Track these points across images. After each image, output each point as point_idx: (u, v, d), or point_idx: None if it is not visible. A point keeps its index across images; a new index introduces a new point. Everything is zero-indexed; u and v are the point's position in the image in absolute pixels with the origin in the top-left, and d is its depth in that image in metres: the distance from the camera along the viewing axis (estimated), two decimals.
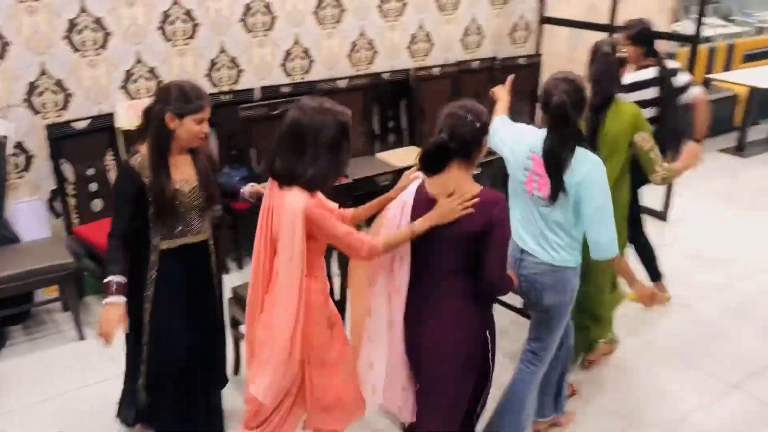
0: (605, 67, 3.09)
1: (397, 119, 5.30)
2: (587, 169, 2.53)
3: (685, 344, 3.77)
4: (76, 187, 4.03)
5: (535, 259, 2.68)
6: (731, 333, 3.89)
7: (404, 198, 2.36)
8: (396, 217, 2.34)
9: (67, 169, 4.02)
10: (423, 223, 2.23)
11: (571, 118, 2.53)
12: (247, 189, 2.82)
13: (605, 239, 2.55)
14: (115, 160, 4.16)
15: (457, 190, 2.22)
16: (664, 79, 3.75)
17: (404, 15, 5.20)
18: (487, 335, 2.35)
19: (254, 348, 2.40)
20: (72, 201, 4.05)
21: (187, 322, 2.65)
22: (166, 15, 4.19)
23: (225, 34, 4.44)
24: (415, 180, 2.40)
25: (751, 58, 7.98)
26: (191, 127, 2.44)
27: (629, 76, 3.69)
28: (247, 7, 4.47)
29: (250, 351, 2.46)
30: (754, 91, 6.85)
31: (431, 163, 2.26)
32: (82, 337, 3.73)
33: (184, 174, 2.51)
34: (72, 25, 3.91)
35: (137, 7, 4.08)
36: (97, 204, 4.11)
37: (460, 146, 2.22)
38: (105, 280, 2.45)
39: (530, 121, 5.78)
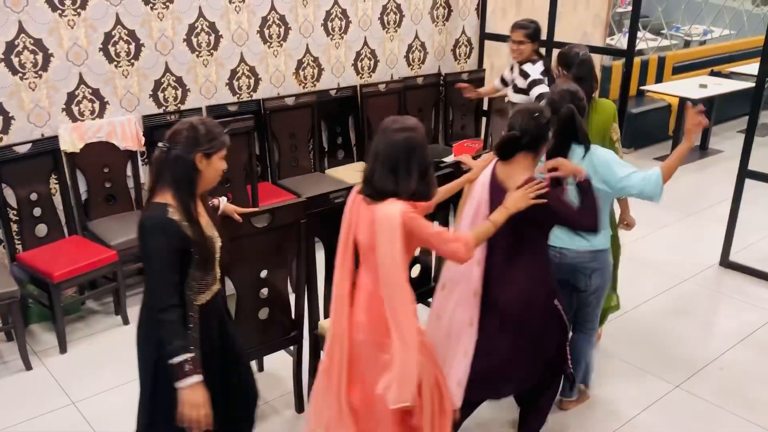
0: (588, 68, 3.39)
1: (345, 135, 5.35)
2: (595, 155, 2.89)
3: (629, 348, 3.90)
4: (18, 213, 3.93)
5: (576, 250, 2.98)
6: (673, 335, 4.05)
7: (482, 180, 2.72)
8: (474, 203, 2.70)
9: (9, 194, 3.91)
10: (500, 215, 2.51)
11: (577, 122, 2.84)
12: (226, 206, 2.75)
13: (649, 185, 2.80)
14: (58, 183, 4.07)
15: (513, 177, 2.59)
16: (548, 71, 4.27)
17: (348, 33, 5.26)
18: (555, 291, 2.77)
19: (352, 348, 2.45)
20: (14, 227, 3.94)
21: (222, 385, 2.43)
22: (109, 36, 4.14)
23: (170, 54, 4.41)
24: (491, 161, 2.75)
25: (680, 69, 8.36)
26: (218, 165, 2.28)
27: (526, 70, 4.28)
28: (192, 28, 4.46)
29: (339, 348, 2.45)
30: (684, 101, 7.17)
31: (503, 153, 2.63)
32: (28, 367, 3.62)
33: (204, 218, 2.33)
34: (11, 47, 3.82)
35: (79, 29, 4.02)
36: (42, 229, 4.01)
37: (530, 140, 2.57)
38: (176, 361, 2.14)
39: (475, 131, 5.92)
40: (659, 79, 8.16)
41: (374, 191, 2.32)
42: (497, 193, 2.63)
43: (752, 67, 6.76)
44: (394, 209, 2.26)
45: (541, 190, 2.51)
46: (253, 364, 3.54)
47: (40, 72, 3.95)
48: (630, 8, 5.34)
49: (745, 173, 4.67)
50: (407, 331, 2.30)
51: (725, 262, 4.88)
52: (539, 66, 4.29)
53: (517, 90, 4.33)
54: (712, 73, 8.47)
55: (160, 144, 2.22)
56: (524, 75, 4.28)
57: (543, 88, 4.22)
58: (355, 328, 2.45)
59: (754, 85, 4.64)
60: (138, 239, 2.22)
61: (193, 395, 2.16)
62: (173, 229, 2.17)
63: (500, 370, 2.74)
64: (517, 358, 2.73)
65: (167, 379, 2.20)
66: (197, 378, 2.16)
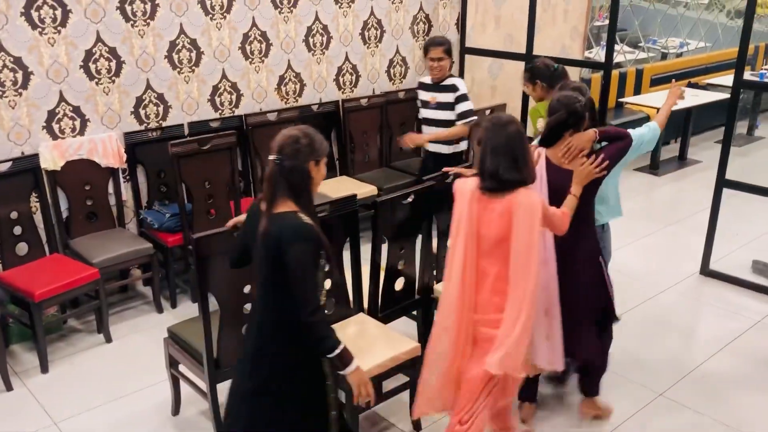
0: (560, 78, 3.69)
1: (328, 150, 5.36)
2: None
3: (611, 357, 3.91)
4: None
5: None
6: (655, 344, 4.08)
7: (539, 171, 2.95)
8: (537, 187, 2.82)
9: None
10: (577, 188, 2.87)
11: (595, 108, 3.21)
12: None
13: (651, 132, 3.30)
14: (39, 201, 4.05)
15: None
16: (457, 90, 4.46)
17: (330, 48, 5.29)
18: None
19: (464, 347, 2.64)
20: None
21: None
22: (90, 53, 4.14)
23: (151, 71, 4.42)
24: (539, 155, 2.97)
25: (658, 81, 8.48)
26: (324, 170, 2.43)
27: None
28: (173, 44, 4.47)
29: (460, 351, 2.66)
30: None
31: (551, 138, 2.96)
32: (9, 388, 3.58)
33: None
34: None
35: (59, 46, 4.01)
36: (22, 248, 3.97)
37: (575, 119, 2.90)
38: (338, 352, 2.27)
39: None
40: (637, 91, 8.27)
41: (503, 184, 2.53)
42: (558, 174, 2.95)
43: (728, 79, 6.87)
44: (534, 198, 2.56)
45: (603, 163, 2.88)
46: None
47: (20, 90, 3.94)
48: (607, 22, 5.43)
49: (722, 183, 4.74)
50: (531, 310, 2.53)
51: (705, 271, 4.93)
52: (462, 81, 4.50)
53: (440, 106, 4.45)
54: (690, 85, 8.60)
55: (271, 157, 2.32)
56: (452, 89, 4.41)
57: (471, 104, 4.46)
58: (480, 310, 2.64)
59: (729, 96, 4.72)
60: (272, 249, 2.25)
61: (360, 375, 2.37)
62: (313, 233, 2.28)
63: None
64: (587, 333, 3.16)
65: (312, 379, 2.39)
66: (356, 360, 2.34)
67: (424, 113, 4.61)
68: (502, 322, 2.54)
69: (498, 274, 2.59)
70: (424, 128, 4.68)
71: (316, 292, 2.29)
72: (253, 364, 2.38)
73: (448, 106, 4.43)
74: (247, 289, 2.99)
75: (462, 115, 4.45)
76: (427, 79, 4.58)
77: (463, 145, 4.66)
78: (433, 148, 4.65)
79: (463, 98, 4.43)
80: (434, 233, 3.65)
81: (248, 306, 3.02)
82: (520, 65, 5.51)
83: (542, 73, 3.82)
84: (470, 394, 2.64)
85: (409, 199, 3.39)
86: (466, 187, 2.67)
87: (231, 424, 2.50)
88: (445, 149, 4.60)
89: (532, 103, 4.23)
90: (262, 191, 2.37)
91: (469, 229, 2.61)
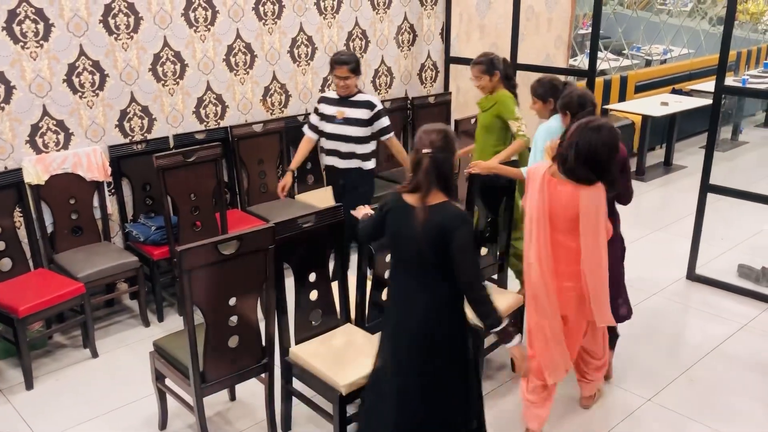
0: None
1: (315, 161, 5.36)
2: None
3: None
4: None
5: None
6: (642, 349, 4.09)
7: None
8: None
9: None
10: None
11: None
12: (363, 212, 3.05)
13: None
14: (23, 216, 4.02)
15: None
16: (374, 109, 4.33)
17: (315, 59, 5.30)
18: None
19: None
20: None
21: None
22: (73, 67, 4.12)
23: (135, 84, 4.41)
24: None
25: (642, 88, 8.55)
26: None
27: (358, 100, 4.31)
28: (157, 57, 4.46)
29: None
30: (647, 119, 7.33)
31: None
32: None
33: None
34: None
35: (42, 60, 4.00)
36: (6, 263, 3.94)
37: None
38: (503, 325, 2.56)
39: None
40: (622, 97, 8.34)
41: (577, 179, 2.88)
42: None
43: (711, 84, 6.93)
44: (601, 190, 2.90)
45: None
46: (225, 393, 3.52)
47: (2, 104, 3.91)
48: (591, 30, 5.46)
49: (707, 187, 4.77)
50: (606, 278, 3.01)
51: (692, 276, 4.96)
52: (376, 97, 4.41)
53: (349, 122, 4.28)
54: (674, 91, 8.67)
55: (425, 150, 2.48)
56: (367, 106, 4.28)
57: (388, 119, 4.38)
58: (561, 278, 2.99)
59: (712, 101, 4.77)
60: (436, 236, 2.47)
61: (522, 349, 2.68)
62: (470, 219, 2.62)
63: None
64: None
65: (474, 362, 2.73)
66: (518, 336, 2.63)
67: (327, 128, 4.37)
68: (583, 288, 2.99)
69: (572, 247, 2.94)
70: (325, 142, 4.43)
71: (480, 271, 2.59)
72: (421, 348, 2.58)
73: (361, 123, 4.28)
74: (232, 301, 2.98)
75: (381, 132, 4.36)
76: (332, 94, 4.39)
77: (370, 164, 4.42)
78: (330, 161, 4.46)
79: (381, 114, 4.33)
80: None
81: (235, 318, 3.01)
82: None
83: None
84: (578, 342, 3.21)
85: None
86: (537, 172, 3.00)
87: (409, 416, 2.62)
88: (342, 164, 4.39)
89: (517, 108, 4.25)
90: (405, 184, 2.57)
91: (542, 208, 2.94)
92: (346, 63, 4.21)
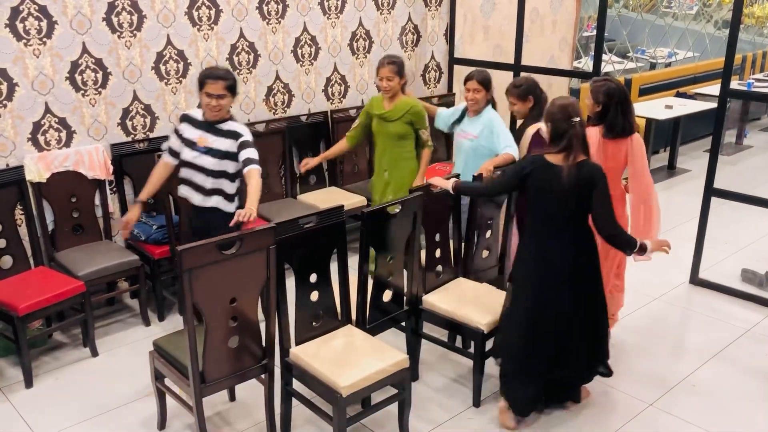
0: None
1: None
2: None
3: None
4: None
5: None
6: (645, 353, 4.07)
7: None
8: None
9: None
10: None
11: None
12: None
13: None
14: (24, 214, 4.01)
15: None
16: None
17: (318, 59, 5.29)
18: None
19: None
20: None
21: None
22: (76, 65, 4.11)
23: (138, 82, 4.40)
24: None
25: (647, 91, 8.52)
26: None
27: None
28: (160, 56, 4.45)
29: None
30: (651, 122, 7.30)
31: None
32: None
33: None
34: None
35: (45, 58, 3.99)
36: (7, 261, 3.93)
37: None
38: (639, 243, 3.17)
39: (447, 154, 5.96)
40: None
41: (621, 129, 3.64)
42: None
43: (715, 88, 6.90)
44: (641, 138, 3.70)
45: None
46: (224, 394, 3.50)
47: (4, 102, 3.91)
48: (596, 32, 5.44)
49: (711, 191, 4.75)
50: (659, 211, 3.78)
51: (695, 280, 4.93)
52: (244, 127, 3.67)
53: (209, 152, 3.59)
54: (678, 95, 8.65)
55: (576, 119, 3.07)
56: (232, 136, 3.59)
57: (256, 152, 3.59)
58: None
59: (716, 105, 4.74)
60: (585, 187, 3.07)
61: (658, 243, 3.28)
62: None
63: None
64: None
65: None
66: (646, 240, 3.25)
67: (184, 153, 3.66)
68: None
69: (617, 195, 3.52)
70: (182, 170, 3.72)
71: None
72: (572, 276, 3.20)
73: (223, 155, 3.58)
74: (233, 301, 2.96)
75: (247, 162, 3.51)
76: (198, 114, 3.67)
77: (231, 207, 3.69)
78: (184, 192, 3.76)
79: (246, 145, 3.57)
80: (423, 243, 3.64)
81: (234, 319, 2.99)
82: (509, 76, 5.53)
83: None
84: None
85: (397, 210, 3.38)
86: (593, 134, 3.52)
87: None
88: (197, 200, 3.69)
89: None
90: (550, 148, 3.13)
91: (609, 160, 3.60)
92: (223, 78, 3.49)
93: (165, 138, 4.51)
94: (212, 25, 4.65)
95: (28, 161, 3.99)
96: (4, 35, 3.83)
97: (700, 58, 9.82)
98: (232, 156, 3.59)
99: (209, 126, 3.61)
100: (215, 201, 3.68)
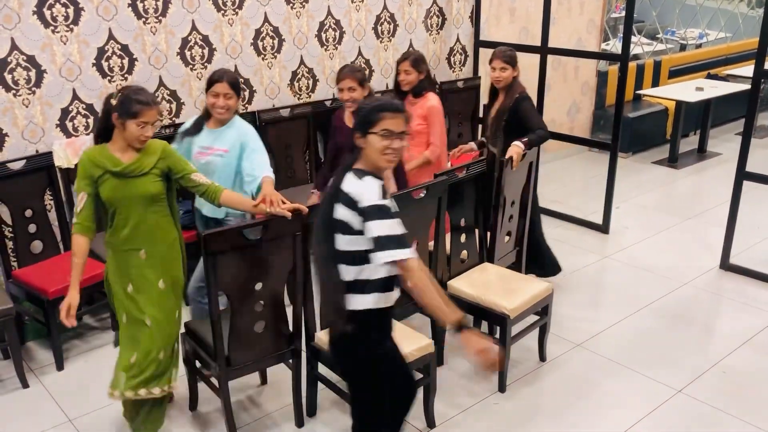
0: None
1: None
2: None
3: (630, 353, 3.87)
4: (13, 230, 3.91)
5: None
6: (674, 339, 4.02)
7: None
8: None
9: (4, 211, 3.90)
10: None
11: None
12: None
13: None
14: (53, 199, 4.06)
15: None
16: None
17: (342, 43, 5.26)
18: None
19: None
20: (10, 244, 3.93)
21: None
22: (102, 51, 4.14)
23: (163, 68, 4.42)
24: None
25: (677, 73, 8.36)
26: None
27: None
28: (185, 41, 4.46)
29: None
30: (681, 105, 7.16)
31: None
32: (25, 385, 3.60)
33: None
34: (4, 64, 3.82)
35: (72, 44, 4.02)
36: (37, 246, 3.99)
37: None
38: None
39: (472, 139, 5.91)
40: (656, 83, 8.16)
41: None
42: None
43: (748, 69, 6.74)
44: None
45: None
46: (255, 376, 3.53)
47: (33, 88, 3.95)
48: (624, 13, 5.35)
49: (743, 175, 4.65)
50: None
51: (725, 265, 4.85)
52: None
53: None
54: (709, 76, 8.47)
55: None
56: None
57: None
58: None
59: (750, 87, 4.63)
60: None
61: None
62: None
63: None
64: None
65: None
66: None
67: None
68: None
69: None
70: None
71: None
72: None
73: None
74: (258, 287, 2.97)
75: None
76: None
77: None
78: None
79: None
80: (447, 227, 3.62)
81: (261, 304, 3.00)
82: (536, 58, 5.45)
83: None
84: None
85: (422, 194, 3.36)
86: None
87: None
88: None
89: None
90: None
91: None
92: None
93: None
94: (237, 10, 4.64)
95: (56, 147, 4.04)
96: (32, 22, 3.86)
97: (733, 39, 9.59)
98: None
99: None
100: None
